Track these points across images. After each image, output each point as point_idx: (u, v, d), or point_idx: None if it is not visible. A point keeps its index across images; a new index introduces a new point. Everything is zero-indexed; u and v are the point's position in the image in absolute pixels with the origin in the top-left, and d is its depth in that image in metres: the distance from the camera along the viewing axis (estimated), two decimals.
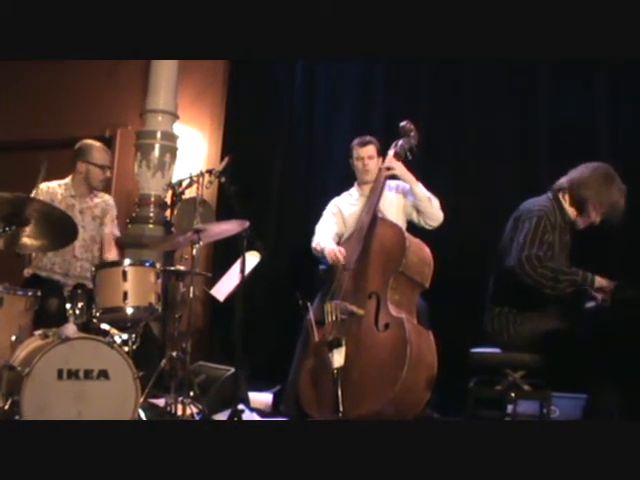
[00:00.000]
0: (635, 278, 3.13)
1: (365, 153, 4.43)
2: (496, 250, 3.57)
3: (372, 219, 4.06)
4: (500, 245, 3.55)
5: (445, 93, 5.40)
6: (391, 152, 4.28)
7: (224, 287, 4.62)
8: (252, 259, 4.49)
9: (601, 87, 4.88)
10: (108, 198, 4.62)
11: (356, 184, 4.56)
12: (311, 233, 4.52)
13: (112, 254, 4.51)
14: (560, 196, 3.47)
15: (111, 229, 4.61)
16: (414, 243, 3.95)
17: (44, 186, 4.37)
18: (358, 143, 4.48)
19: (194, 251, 3.92)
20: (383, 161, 4.39)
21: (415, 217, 4.35)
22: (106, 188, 4.80)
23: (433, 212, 4.25)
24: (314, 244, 4.38)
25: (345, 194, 4.59)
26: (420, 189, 4.25)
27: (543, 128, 4.98)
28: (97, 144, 4.51)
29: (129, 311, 3.68)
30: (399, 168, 4.24)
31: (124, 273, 3.69)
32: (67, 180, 4.46)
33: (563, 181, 3.51)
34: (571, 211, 3.47)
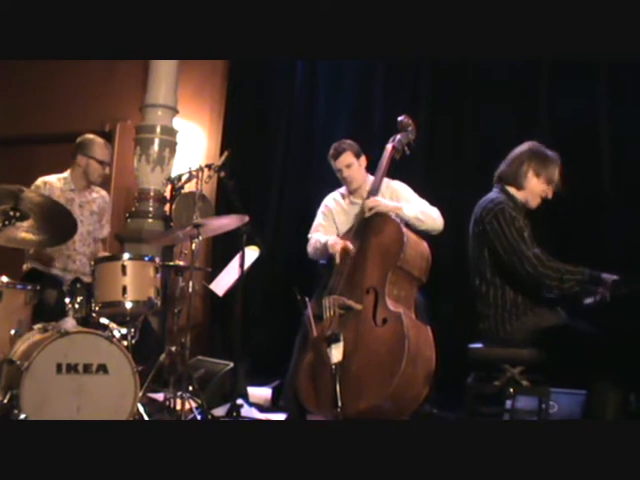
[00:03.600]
0: (632, 275, 3.12)
1: (341, 164, 4.32)
2: (469, 253, 3.56)
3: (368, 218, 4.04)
4: (469, 249, 3.54)
5: (445, 92, 5.39)
6: (389, 146, 4.25)
7: (223, 282, 4.63)
8: (251, 254, 4.50)
9: (602, 87, 4.87)
10: (105, 194, 4.62)
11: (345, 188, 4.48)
12: (310, 227, 4.51)
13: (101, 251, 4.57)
14: (505, 185, 3.50)
15: (108, 230, 4.66)
16: (412, 238, 3.95)
17: (41, 181, 4.36)
18: (332, 155, 4.35)
19: (193, 246, 3.92)
20: (368, 159, 4.35)
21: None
22: (105, 183, 4.79)
23: (427, 228, 4.12)
24: (312, 245, 4.34)
25: (337, 193, 4.52)
26: (406, 212, 4.08)
27: (544, 128, 4.96)
28: (99, 139, 4.50)
29: (128, 305, 3.69)
30: (379, 205, 4.02)
31: (123, 267, 3.70)
32: (66, 174, 4.45)
33: (500, 169, 3.55)
34: (519, 195, 3.48)
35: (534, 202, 3.51)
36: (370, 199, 4.05)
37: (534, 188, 3.47)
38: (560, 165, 3.49)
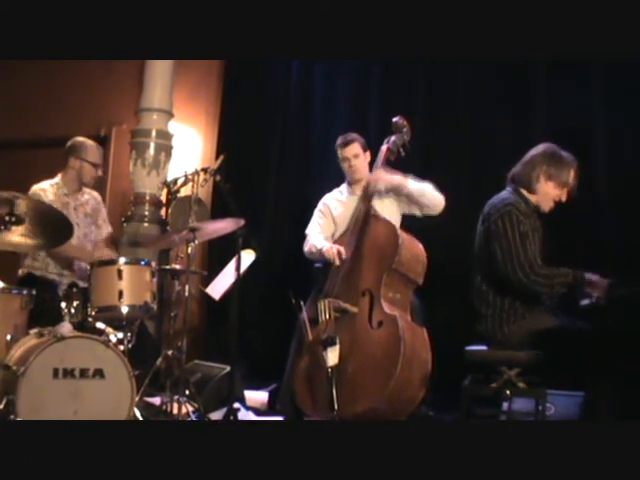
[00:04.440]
0: (628, 276, 3.13)
1: (349, 153, 4.37)
2: (473, 250, 3.56)
3: (365, 216, 4.06)
4: (476, 246, 3.54)
5: (441, 93, 5.39)
6: (384, 147, 4.26)
7: (219, 285, 4.63)
8: (247, 257, 4.50)
9: (597, 87, 4.87)
10: (96, 195, 4.62)
11: (346, 183, 4.52)
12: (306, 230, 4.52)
13: (107, 252, 4.50)
14: (518, 186, 3.48)
15: (108, 229, 4.64)
16: (407, 240, 3.95)
17: (38, 188, 4.33)
18: (340, 143, 4.41)
19: (189, 249, 3.92)
20: (371, 155, 4.39)
21: (416, 210, 4.28)
22: (101, 187, 4.80)
23: (429, 202, 4.17)
24: (308, 247, 4.35)
25: (335, 191, 4.55)
26: (410, 189, 4.15)
27: (539, 128, 4.96)
28: (90, 142, 4.51)
29: (124, 310, 3.67)
30: (382, 181, 4.11)
31: (119, 272, 3.69)
32: (57, 179, 4.42)
33: (514, 170, 3.53)
34: (532, 197, 3.46)
35: (546, 206, 3.47)
36: (374, 172, 4.16)
37: (547, 192, 3.44)
38: (576, 167, 3.45)
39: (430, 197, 4.18)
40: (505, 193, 3.49)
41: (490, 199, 3.52)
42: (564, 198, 3.47)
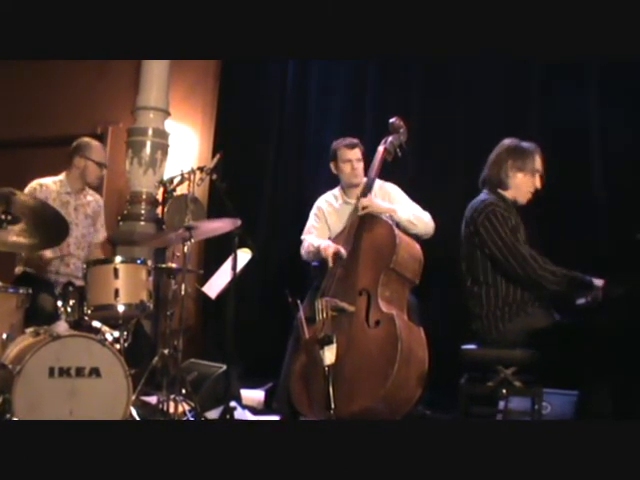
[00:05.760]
0: (622, 275, 3.14)
1: (354, 155, 4.37)
2: (460, 254, 3.57)
3: (362, 216, 4.05)
4: (462, 250, 3.55)
5: (436, 93, 5.38)
6: (381, 148, 4.27)
7: (216, 284, 4.62)
8: (244, 256, 4.50)
9: (593, 87, 4.86)
10: (99, 198, 4.66)
11: (340, 188, 4.51)
12: (302, 229, 4.52)
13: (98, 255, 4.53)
14: (493, 187, 3.52)
15: (103, 234, 4.66)
16: (404, 240, 3.95)
17: (36, 183, 4.36)
18: (347, 145, 4.40)
19: (185, 248, 3.92)
20: (364, 158, 4.39)
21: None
22: (98, 186, 4.81)
23: (418, 231, 4.16)
24: (305, 248, 4.36)
25: (330, 195, 4.54)
26: (400, 215, 4.13)
27: (536, 128, 4.95)
28: (95, 142, 4.58)
29: (120, 308, 3.67)
30: (373, 205, 4.08)
31: (115, 270, 3.69)
32: (61, 177, 4.46)
33: (484, 174, 3.58)
34: (508, 194, 3.51)
35: (524, 198, 3.53)
36: (365, 198, 4.09)
37: (520, 185, 3.49)
38: (541, 153, 3.52)
39: (420, 227, 4.18)
40: (483, 195, 3.54)
41: (470, 203, 3.54)
42: (539, 185, 3.53)
